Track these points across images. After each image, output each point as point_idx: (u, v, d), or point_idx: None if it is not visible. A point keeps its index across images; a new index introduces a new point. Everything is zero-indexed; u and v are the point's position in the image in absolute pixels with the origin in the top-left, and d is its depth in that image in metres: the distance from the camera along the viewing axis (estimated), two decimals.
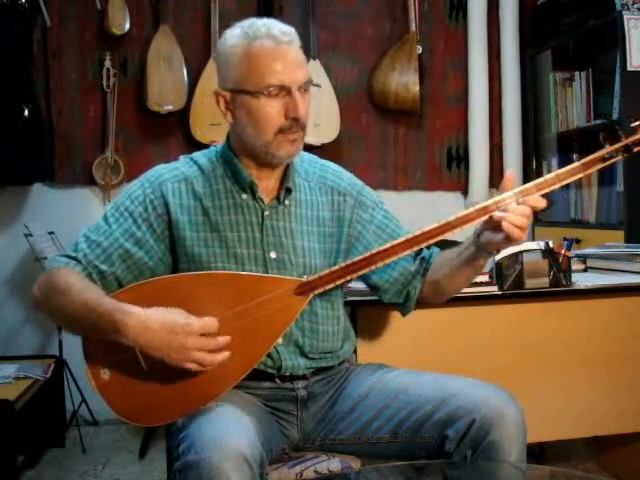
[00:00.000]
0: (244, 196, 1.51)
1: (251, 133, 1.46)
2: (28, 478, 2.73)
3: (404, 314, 1.66)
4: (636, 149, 1.39)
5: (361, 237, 1.60)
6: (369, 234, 1.60)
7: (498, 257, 2.05)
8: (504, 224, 1.35)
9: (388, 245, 1.41)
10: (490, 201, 1.40)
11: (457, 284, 1.59)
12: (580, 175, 1.39)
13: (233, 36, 1.46)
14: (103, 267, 1.44)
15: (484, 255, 1.47)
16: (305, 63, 1.47)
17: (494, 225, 1.39)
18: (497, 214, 1.37)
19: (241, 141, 1.50)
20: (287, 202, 1.53)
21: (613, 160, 1.39)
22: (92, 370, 1.40)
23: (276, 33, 1.42)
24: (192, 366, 1.32)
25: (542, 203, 1.39)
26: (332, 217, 1.58)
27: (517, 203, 1.38)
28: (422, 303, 1.65)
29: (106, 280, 1.45)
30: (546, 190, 1.39)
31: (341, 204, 1.59)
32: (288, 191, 1.53)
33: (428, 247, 1.54)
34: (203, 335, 1.31)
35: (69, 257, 1.46)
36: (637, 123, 1.38)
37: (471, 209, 1.40)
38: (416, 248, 1.41)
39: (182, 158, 1.58)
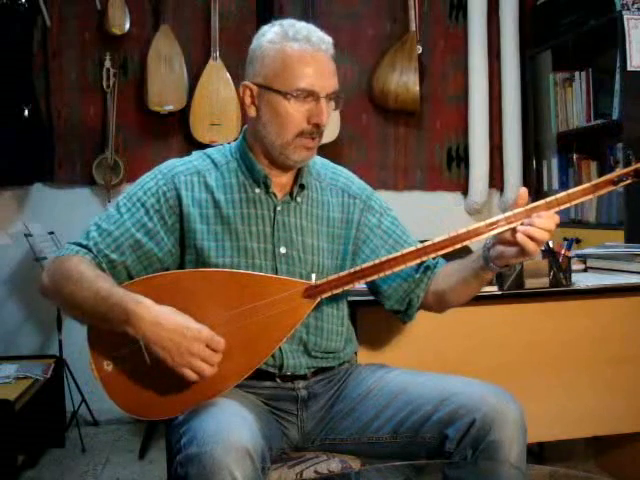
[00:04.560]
0: (257, 190, 1.52)
1: (271, 131, 1.47)
2: (28, 478, 2.72)
3: (404, 322, 1.66)
4: None
5: (368, 240, 1.60)
6: (376, 238, 1.61)
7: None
8: (519, 236, 1.35)
9: (397, 254, 1.42)
10: (500, 216, 1.39)
11: (461, 296, 1.58)
12: (591, 196, 1.42)
13: (272, 32, 1.48)
14: (113, 256, 1.45)
15: (492, 269, 1.45)
16: (336, 74, 1.49)
17: (509, 239, 1.38)
18: (521, 227, 1.36)
19: (259, 137, 1.50)
20: (299, 199, 1.55)
21: (623, 183, 1.44)
22: (95, 361, 1.40)
23: (315, 39, 1.45)
24: (189, 373, 1.32)
25: (556, 219, 1.38)
26: (341, 218, 1.59)
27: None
28: (423, 310, 1.65)
29: (116, 270, 1.45)
30: (556, 209, 1.40)
31: (351, 206, 1.60)
32: (302, 188, 1.54)
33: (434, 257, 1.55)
34: (209, 347, 1.32)
35: (80, 245, 1.46)
36: None
37: (481, 223, 1.40)
38: (425, 258, 1.42)
39: (195, 153, 1.59)
